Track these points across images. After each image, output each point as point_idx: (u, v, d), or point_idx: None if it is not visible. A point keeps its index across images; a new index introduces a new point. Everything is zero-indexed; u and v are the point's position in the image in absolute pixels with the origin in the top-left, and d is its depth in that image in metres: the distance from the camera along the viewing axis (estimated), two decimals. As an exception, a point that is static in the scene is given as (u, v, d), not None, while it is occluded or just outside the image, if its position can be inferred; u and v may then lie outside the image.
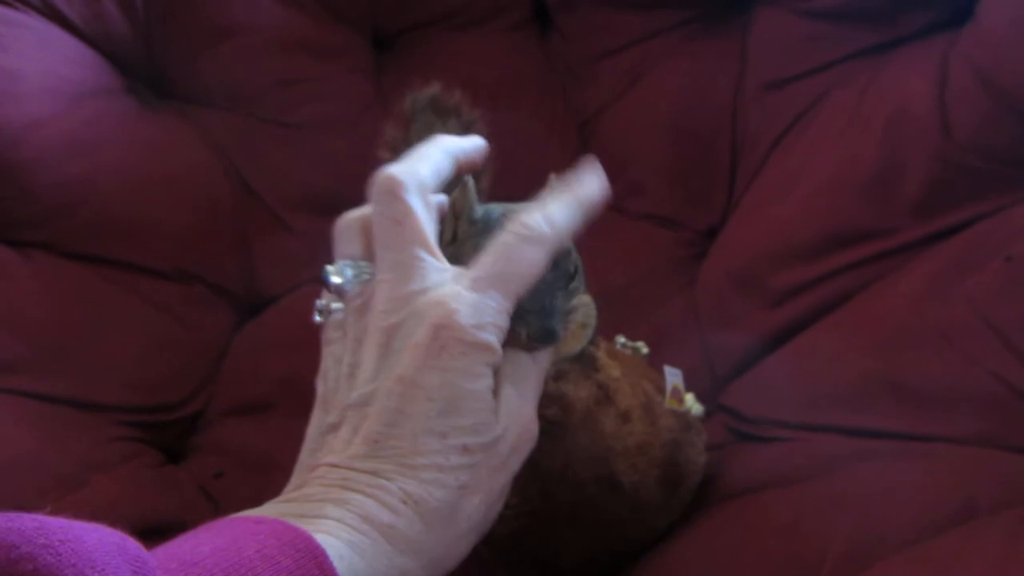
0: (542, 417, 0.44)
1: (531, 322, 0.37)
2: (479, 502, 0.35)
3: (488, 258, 0.36)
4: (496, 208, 0.40)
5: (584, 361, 0.48)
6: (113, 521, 0.28)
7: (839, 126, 0.69)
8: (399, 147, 0.64)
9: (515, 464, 0.37)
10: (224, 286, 0.80)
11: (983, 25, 0.62)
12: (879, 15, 0.71)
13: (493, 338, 0.35)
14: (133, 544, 0.27)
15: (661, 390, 0.50)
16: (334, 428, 0.36)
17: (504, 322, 0.36)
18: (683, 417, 0.51)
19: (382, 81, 0.89)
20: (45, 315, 0.69)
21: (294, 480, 0.36)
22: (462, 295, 0.35)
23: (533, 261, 0.36)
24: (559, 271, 0.38)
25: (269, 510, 0.33)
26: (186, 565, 0.28)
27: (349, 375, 0.37)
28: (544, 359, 0.39)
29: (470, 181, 0.40)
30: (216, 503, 0.65)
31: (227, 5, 0.83)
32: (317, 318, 0.40)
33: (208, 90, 0.84)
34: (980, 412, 0.49)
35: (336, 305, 0.39)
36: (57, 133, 0.73)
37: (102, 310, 0.72)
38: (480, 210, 0.39)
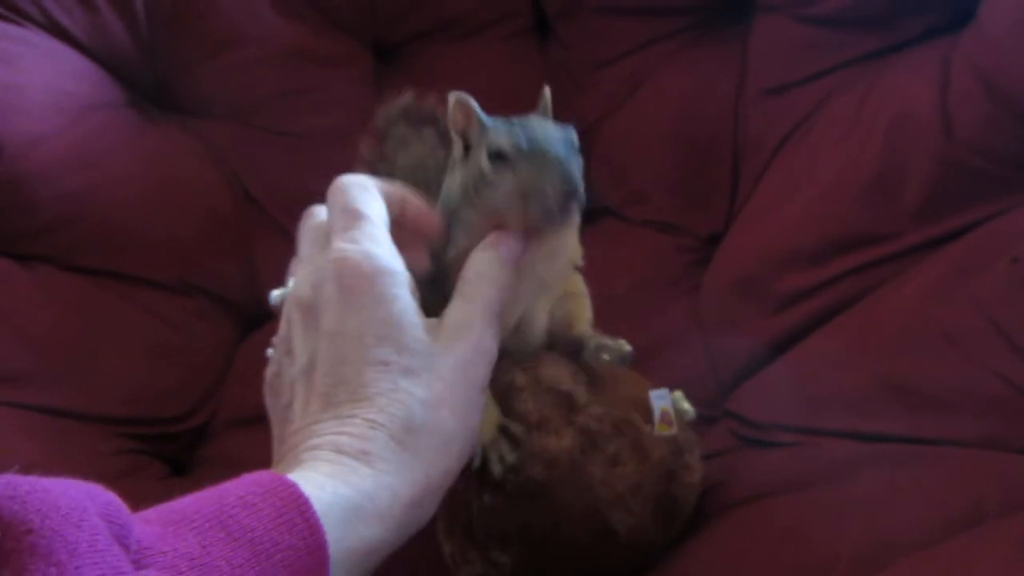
0: (527, 479, 0.44)
1: (550, 186, 0.37)
2: (448, 414, 0.36)
3: (332, 211, 0.39)
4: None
5: (563, 400, 0.47)
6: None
7: (841, 131, 0.69)
8: (375, 163, 0.65)
9: (479, 376, 0.37)
10: (227, 297, 0.80)
11: (984, 28, 0.62)
12: (879, 20, 0.71)
13: (387, 262, 0.37)
14: (105, 492, 0.27)
15: (650, 415, 0.48)
16: (288, 406, 0.37)
17: (386, 240, 0.38)
18: (674, 442, 0.49)
19: (383, 90, 0.89)
20: (48, 328, 0.69)
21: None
22: (341, 242, 0.37)
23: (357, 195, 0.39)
24: (570, 145, 0.39)
25: None
26: (164, 512, 0.29)
27: (287, 357, 0.38)
28: (501, 279, 0.39)
29: (457, 94, 0.41)
30: (220, 515, 0.65)
31: (229, 17, 0.84)
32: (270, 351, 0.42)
33: (210, 101, 0.84)
34: (986, 414, 0.49)
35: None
36: (60, 147, 0.74)
37: (105, 322, 0.72)
38: (488, 119, 0.41)
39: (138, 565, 0.26)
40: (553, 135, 0.39)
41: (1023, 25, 0.58)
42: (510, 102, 0.88)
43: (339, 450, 0.33)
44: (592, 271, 0.80)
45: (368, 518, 0.32)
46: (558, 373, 0.47)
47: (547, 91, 0.44)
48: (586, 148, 0.88)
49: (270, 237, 0.82)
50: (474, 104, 0.41)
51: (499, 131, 0.40)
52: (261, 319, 0.82)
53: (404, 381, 0.35)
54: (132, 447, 0.68)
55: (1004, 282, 0.52)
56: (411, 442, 0.34)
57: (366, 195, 0.39)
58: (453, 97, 0.41)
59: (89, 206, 0.74)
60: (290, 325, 0.39)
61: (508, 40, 0.92)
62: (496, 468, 0.44)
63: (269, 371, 0.41)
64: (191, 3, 0.82)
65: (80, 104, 0.77)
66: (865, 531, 0.43)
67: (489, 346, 0.38)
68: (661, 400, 0.49)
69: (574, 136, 0.40)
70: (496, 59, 0.91)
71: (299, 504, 0.30)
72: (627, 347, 0.52)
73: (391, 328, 0.36)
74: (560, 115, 0.90)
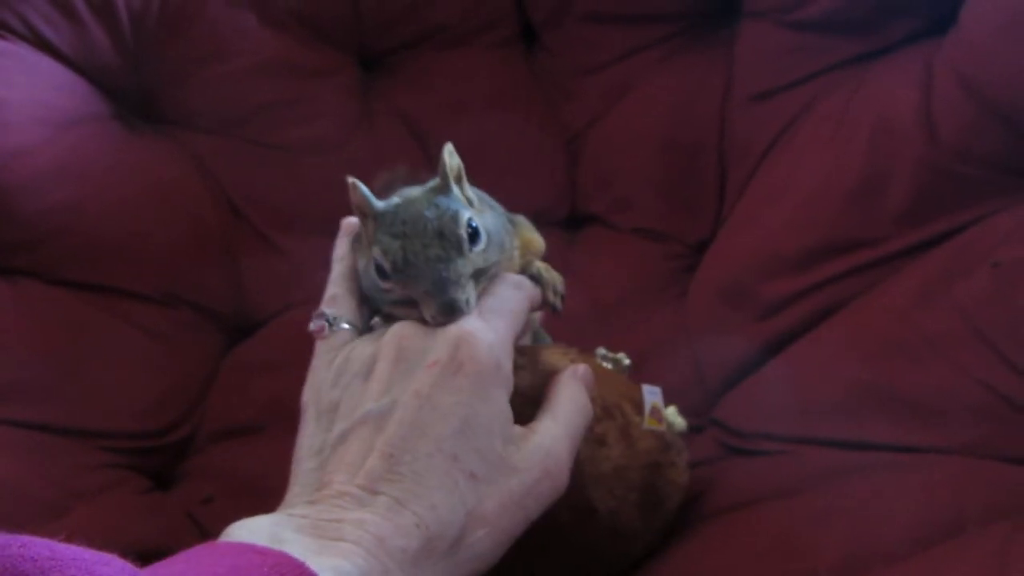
0: None
1: (428, 302, 0.39)
2: (484, 534, 0.35)
3: (488, 297, 0.40)
4: (393, 199, 0.42)
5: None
6: (97, 549, 0.27)
7: (825, 136, 0.69)
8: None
9: (532, 508, 0.37)
10: (212, 309, 0.79)
11: (966, 32, 0.62)
12: (864, 25, 0.71)
13: (505, 361, 0.37)
14: (126, 566, 0.26)
15: (641, 409, 0.49)
16: (344, 438, 0.36)
17: (511, 352, 0.39)
18: (662, 438, 0.49)
19: (369, 101, 0.89)
20: (30, 342, 0.68)
21: (297, 489, 0.37)
22: (477, 322, 0.38)
23: (520, 300, 0.41)
24: (445, 241, 0.39)
25: (284, 522, 0.33)
26: None
27: (362, 385, 0.38)
28: (587, 407, 0.41)
29: (353, 180, 0.43)
30: (204, 530, 0.64)
31: (214, 29, 0.84)
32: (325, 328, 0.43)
33: (195, 114, 0.84)
34: (970, 421, 0.49)
35: (345, 324, 0.42)
36: (44, 160, 0.74)
37: (88, 336, 0.72)
38: (380, 204, 0.42)
39: None
40: (429, 243, 0.39)
41: (1005, 29, 0.58)
42: (497, 110, 0.89)
43: (381, 540, 0.33)
44: (579, 279, 0.80)
45: None
46: (556, 360, 0.47)
47: (446, 153, 0.43)
48: (574, 155, 0.89)
49: (256, 249, 0.82)
50: (364, 192, 0.42)
51: (381, 240, 0.40)
52: (246, 331, 0.81)
53: (464, 484, 0.35)
54: (114, 461, 0.67)
55: (986, 287, 0.52)
56: (441, 551, 0.34)
57: (526, 293, 0.41)
58: (349, 181, 0.43)
59: (73, 219, 0.74)
60: (379, 355, 0.38)
61: (494, 48, 0.92)
62: None
63: (323, 372, 0.40)
64: (177, 16, 0.82)
65: (64, 116, 0.76)
66: (847, 540, 0.43)
67: (562, 480, 0.38)
68: (653, 396, 0.49)
69: (459, 223, 0.40)
70: (482, 68, 0.91)
71: None
72: (626, 360, 0.54)
73: (477, 426, 0.36)
74: (548, 122, 0.91)
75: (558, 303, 0.47)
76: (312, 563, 0.30)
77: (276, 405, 0.72)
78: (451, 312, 0.38)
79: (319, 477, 0.36)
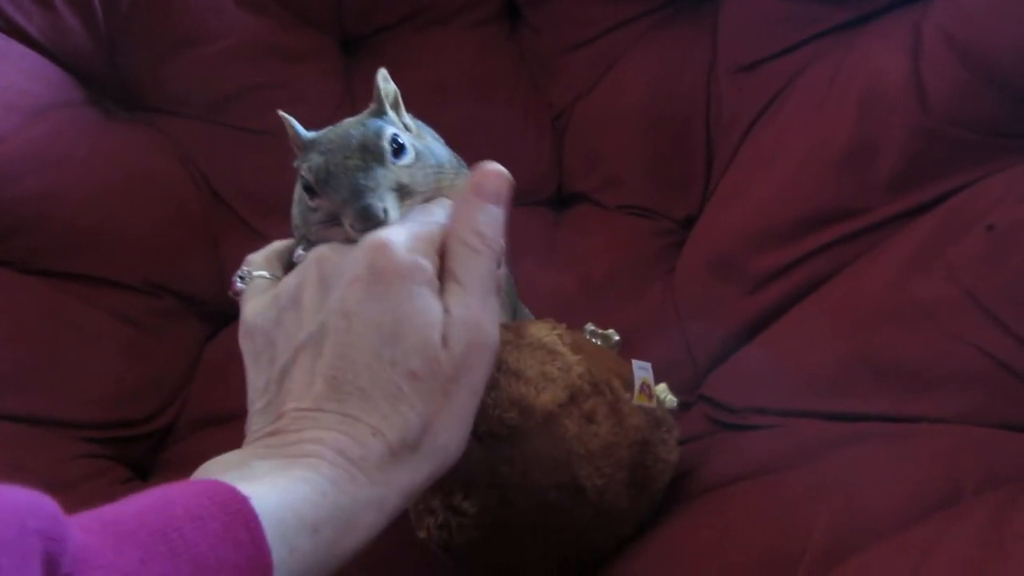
0: (500, 422, 0.43)
1: (346, 211, 0.39)
2: (440, 426, 0.35)
3: (414, 211, 0.40)
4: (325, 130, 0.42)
5: (545, 355, 0.46)
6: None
7: (813, 105, 0.67)
8: None
9: (472, 381, 0.37)
10: (194, 296, 0.78)
11: (956, -6, 0.61)
12: (850, -9, 0.70)
13: (423, 258, 0.37)
14: (46, 502, 0.26)
15: (630, 385, 0.47)
16: (287, 372, 0.37)
17: (432, 252, 0.38)
18: (652, 414, 0.48)
19: (351, 83, 0.87)
20: (8, 333, 0.67)
21: (253, 428, 0.37)
22: (389, 229, 0.38)
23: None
24: (367, 153, 0.39)
25: (248, 452, 0.34)
26: (108, 522, 0.27)
27: (293, 311, 0.38)
28: (492, 247, 0.40)
29: (283, 113, 0.43)
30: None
31: (191, 12, 0.82)
32: (240, 285, 0.44)
33: (174, 98, 0.82)
34: (964, 388, 0.47)
35: (258, 272, 0.43)
36: (18, 147, 0.72)
37: (68, 326, 0.70)
38: (311, 133, 0.43)
39: None
40: (351, 155, 0.39)
41: (995, -11, 0.56)
42: (482, 89, 0.87)
43: (341, 451, 0.33)
44: (567, 257, 0.79)
45: (358, 528, 0.33)
46: (543, 335, 0.47)
47: (380, 78, 0.44)
48: (560, 132, 0.87)
49: (237, 235, 0.81)
50: (294, 124, 0.43)
51: (309, 158, 0.41)
52: (228, 319, 0.80)
53: (408, 387, 0.35)
54: (94, 451, 0.66)
55: (980, 251, 0.50)
56: (403, 454, 0.34)
57: (443, 209, 0.40)
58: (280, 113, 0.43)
59: (49, 207, 0.72)
60: (303, 282, 0.38)
61: (478, 27, 0.91)
62: None
63: (251, 314, 0.40)
64: (151, 0, 0.80)
65: (37, 103, 0.75)
66: (840, 514, 0.41)
67: (490, 340, 0.37)
68: (643, 371, 0.48)
69: (382, 136, 0.40)
70: (466, 47, 0.89)
71: (247, 520, 0.29)
72: (616, 336, 0.54)
73: (409, 326, 0.35)
74: (533, 100, 0.89)
75: None
76: (281, 477, 0.31)
77: (260, 393, 0.71)
78: (367, 219, 0.38)
79: (272, 412, 0.36)
